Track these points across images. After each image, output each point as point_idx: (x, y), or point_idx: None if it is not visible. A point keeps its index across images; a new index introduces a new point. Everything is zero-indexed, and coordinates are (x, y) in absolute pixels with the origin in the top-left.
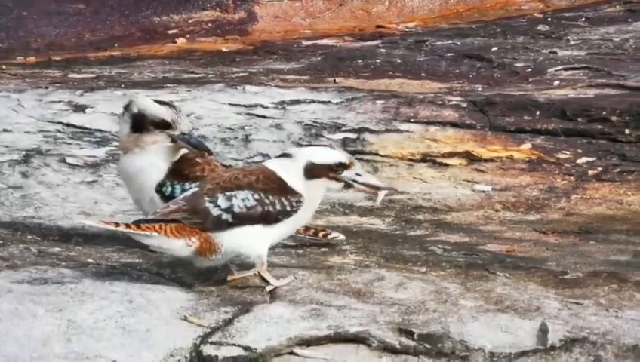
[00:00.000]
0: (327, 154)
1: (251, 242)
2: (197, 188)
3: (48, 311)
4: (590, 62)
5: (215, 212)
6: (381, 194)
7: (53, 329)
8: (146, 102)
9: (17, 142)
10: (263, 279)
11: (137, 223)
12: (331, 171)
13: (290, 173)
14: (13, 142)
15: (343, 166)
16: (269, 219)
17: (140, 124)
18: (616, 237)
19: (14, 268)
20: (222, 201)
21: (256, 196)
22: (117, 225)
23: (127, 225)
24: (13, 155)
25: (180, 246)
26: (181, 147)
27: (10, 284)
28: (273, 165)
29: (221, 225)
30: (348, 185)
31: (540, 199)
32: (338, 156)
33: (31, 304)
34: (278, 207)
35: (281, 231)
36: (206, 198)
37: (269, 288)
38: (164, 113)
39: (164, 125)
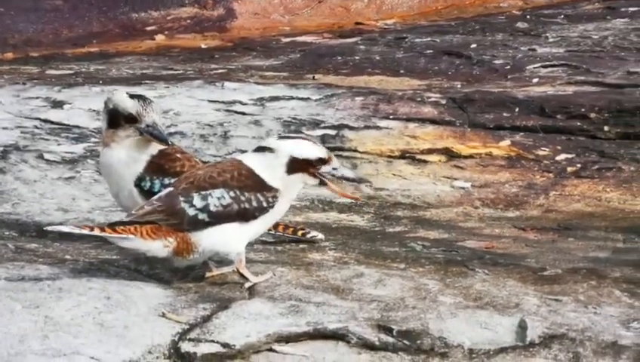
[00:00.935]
0: (309, 150)
1: (229, 240)
2: (171, 188)
3: (25, 307)
4: (569, 59)
5: (191, 212)
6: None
7: (31, 325)
8: (120, 97)
9: None
10: (242, 276)
11: (113, 226)
12: (311, 166)
13: (268, 168)
14: None
15: (322, 161)
16: (245, 216)
17: (115, 119)
18: (595, 234)
19: None
20: (197, 201)
21: (232, 194)
22: (92, 228)
23: (102, 229)
24: None
25: (157, 247)
26: (150, 140)
27: None
28: (250, 160)
29: (198, 224)
30: (322, 183)
31: (519, 196)
32: (319, 151)
33: (8, 300)
34: (255, 203)
35: (258, 227)
36: (181, 198)
37: (247, 284)
38: (130, 107)
39: (131, 119)
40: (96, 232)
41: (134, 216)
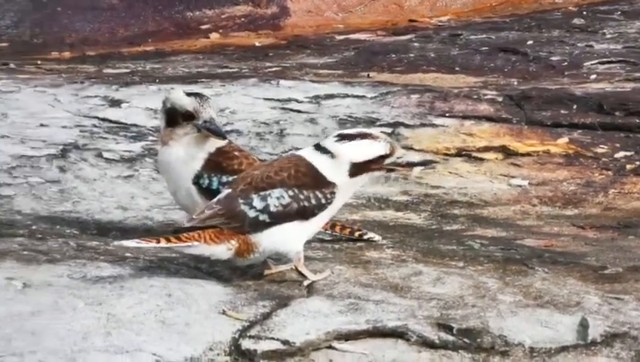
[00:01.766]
0: (368, 151)
1: (289, 239)
2: (230, 190)
3: (88, 304)
4: (627, 55)
5: (252, 214)
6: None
7: (93, 322)
8: (177, 95)
9: (54, 137)
10: (300, 274)
11: (177, 235)
12: (374, 164)
13: (330, 169)
14: (50, 136)
15: (384, 157)
16: (305, 214)
17: (173, 117)
18: None
19: (54, 262)
20: (257, 202)
21: (291, 193)
22: (158, 241)
23: (168, 239)
24: (51, 150)
25: (221, 250)
26: (209, 136)
27: (50, 278)
28: (311, 156)
29: (258, 225)
30: (390, 171)
31: (578, 194)
32: (378, 149)
33: (71, 297)
34: (313, 201)
35: (317, 224)
36: (241, 201)
37: (306, 282)
38: (187, 104)
39: (189, 116)
40: (163, 244)
41: (195, 221)
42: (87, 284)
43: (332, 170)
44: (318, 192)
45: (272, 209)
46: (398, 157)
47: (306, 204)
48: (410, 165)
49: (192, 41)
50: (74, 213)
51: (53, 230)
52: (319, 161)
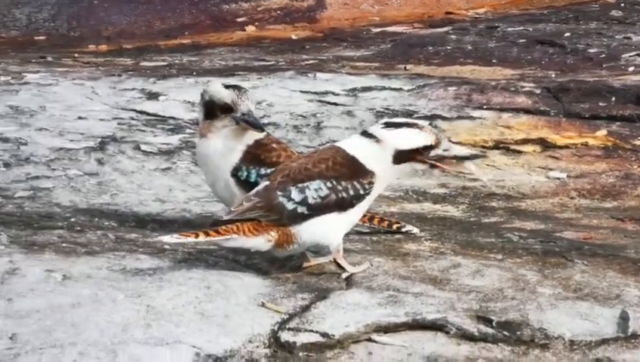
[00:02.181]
0: (413, 139)
1: (328, 230)
2: (268, 182)
3: (127, 296)
4: None
5: (290, 206)
6: (470, 166)
7: (133, 314)
8: (215, 88)
9: (92, 130)
10: (339, 266)
11: (215, 229)
12: (419, 154)
13: (373, 156)
14: (88, 129)
15: (429, 148)
16: (343, 205)
17: (211, 110)
18: None
19: (93, 254)
20: (295, 194)
21: (329, 184)
22: (197, 235)
23: (207, 233)
24: (89, 143)
25: (260, 242)
26: (247, 128)
27: (89, 270)
28: (352, 146)
29: (297, 217)
30: (432, 166)
31: (617, 186)
32: (425, 138)
33: (110, 289)
34: (352, 192)
35: (356, 215)
36: (279, 193)
37: (344, 275)
38: (225, 96)
39: (227, 108)
40: (202, 238)
41: (234, 214)
42: (126, 276)
43: (374, 156)
44: (356, 183)
45: (310, 201)
46: (444, 150)
47: (344, 195)
48: (458, 159)
49: (228, 33)
50: (112, 206)
51: (92, 222)
52: (362, 148)
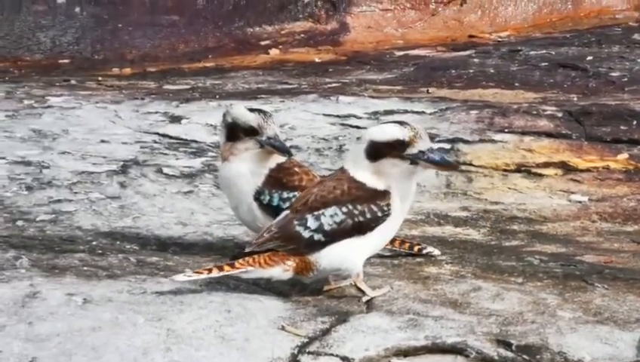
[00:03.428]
0: (387, 133)
1: (348, 256)
2: (288, 212)
3: (148, 320)
4: None
5: (306, 234)
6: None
7: (153, 338)
8: (238, 111)
9: (115, 153)
10: (360, 289)
11: (231, 263)
12: (394, 149)
13: (355, 159)
14: (110, 152)
15: (403, 143)
16: (361, 229)
17: (234, 132)
18: None
19: (114, 278)
20: (311, 222)
21: (345, 209)
22: (210, 271)
23: (221, 268)
24: (112, 166)
25: (278, 272)
26: (271, 152)
27: (110, 293)
28: (350, 167)
29: (315, 245)
30: (413, 162)
31: (638, 210)
32: (399, 133)
33: (131, 313)
34: (369, 215)
35: (377, 238)
36: (296, 222)
37: (365, 298)
38: (251, 120)
39: (252, 131)
40: (215, 274)
41: (254, 246)
42: (147, 300)
43: (356, 159)
44: (373, 205)
45: (327, 228)
46: (420, 151)
47: (362, 218)
48: (431, 163)
49: (251, 57)
50: (134, 229)
51: (114, 246)
52: (355, 168)
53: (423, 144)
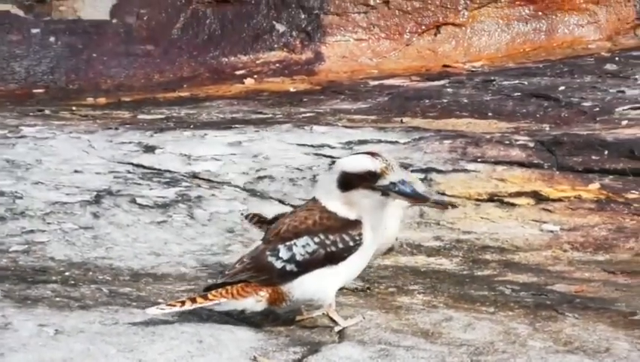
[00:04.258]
0: (358, 163)
1: (320, 286)
2: (261, 242)
3: (120, 351)
4: None
5: (279, 264)
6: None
7: None
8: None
9: (88, 183)
10: (332, 319)
11: (204, 295)
12: (365, 181)
13: (327, 190)
14: (84, 182)
15: (374, 175)
16: (334, 259)
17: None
18: None
19: (86, 309)
20: (283, 253)
21: (317, 239)
22: (183, 303)
23: (194, 300)
24: (85, 196)
25: (251, 303)
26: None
27: (82, 324)
28: (322, 197)
29: (287, 275)
30: (384, 194)
31: (609, 239)
32: (370, 165)
33: (103, 344)
34: (341, 245)
35: (351, 268)
36: (267, 253)
37: (337, 328)
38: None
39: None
40: (188, 306)
41: (227, 278)
42: (119, 331)
43: (328, 189)
44: (344, 235)
45: (299, 258)
46: (391, 182)
47: (334, 248)
48: (402, 195)
49: (226, 86)
50: (107, 259)
51: (86, 276)
52: (327, 198)
53: (394, 176)
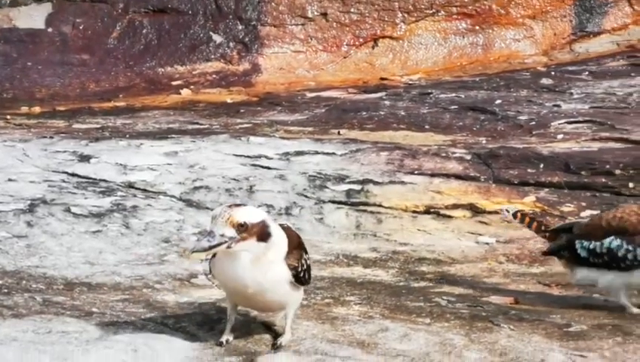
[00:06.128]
0: None
1: None
2: None
3: (53, 359)
4: (594, 115)
5: None
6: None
7: None
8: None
9: (22, 192)
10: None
11: None
12: None
13: None
14: (18, 191)
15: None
16: None
17: None
18: None
19: (19, 317)
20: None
21: None
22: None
23: None
24: (19, 205)
25: None
26: None
27: (15, 333)
28: None
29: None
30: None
31: None
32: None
33: (36, 353)
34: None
35: None
36: None
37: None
38: None
39: None
40: None
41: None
42: (52, 339)
43: None
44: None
45: None
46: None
47: None
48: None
49: (163, 96)
50: (40, 268)
51: (20, 285)
52: None
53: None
